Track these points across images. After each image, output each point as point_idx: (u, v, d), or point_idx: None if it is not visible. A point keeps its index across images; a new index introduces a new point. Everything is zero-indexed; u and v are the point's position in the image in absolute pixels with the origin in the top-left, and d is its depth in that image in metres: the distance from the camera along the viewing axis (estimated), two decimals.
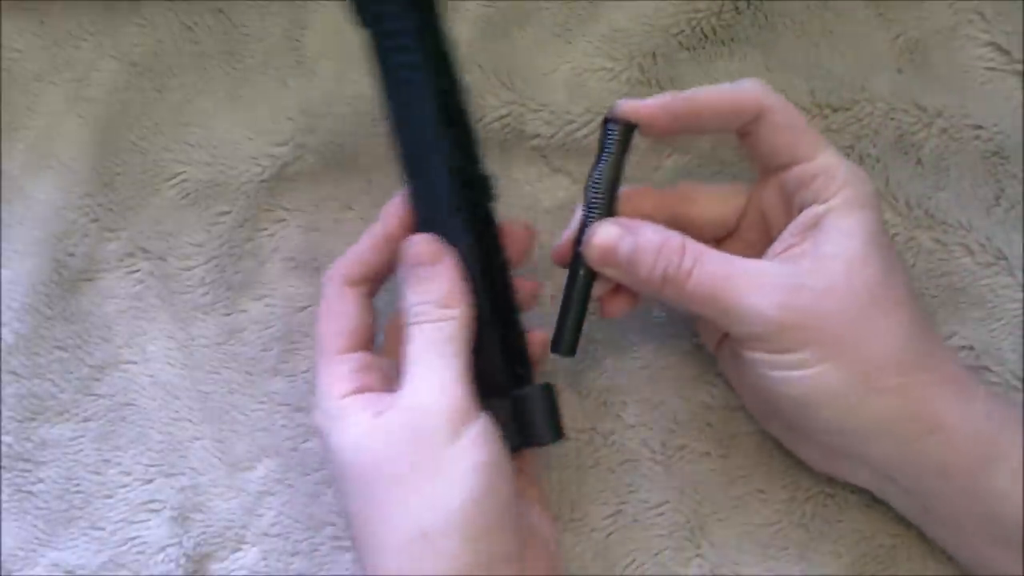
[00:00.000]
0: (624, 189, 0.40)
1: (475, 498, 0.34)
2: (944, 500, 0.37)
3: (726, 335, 0.42)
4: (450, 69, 0.39)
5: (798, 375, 0.36)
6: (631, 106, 0.39)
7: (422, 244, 0.38)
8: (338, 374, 0.38)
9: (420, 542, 0.34)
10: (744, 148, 0.41)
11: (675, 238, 0.38)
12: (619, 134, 0.39)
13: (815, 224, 0.38)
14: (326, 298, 0.40)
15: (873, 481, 0.40)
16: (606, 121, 0.40)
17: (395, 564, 0.35)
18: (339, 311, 0.40)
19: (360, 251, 0.40)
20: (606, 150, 0.39)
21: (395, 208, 0.40)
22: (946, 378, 0.37)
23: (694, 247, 0.38)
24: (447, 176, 0.39)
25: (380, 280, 0.41)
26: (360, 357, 0.39)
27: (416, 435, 0.35)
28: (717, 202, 0.41)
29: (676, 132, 0.40)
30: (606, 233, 0.38)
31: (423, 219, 0.39)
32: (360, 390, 0.38)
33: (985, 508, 0.36)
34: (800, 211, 0.38)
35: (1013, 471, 0.36)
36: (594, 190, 0.39)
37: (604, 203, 0.39)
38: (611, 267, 0.39)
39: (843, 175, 0.38)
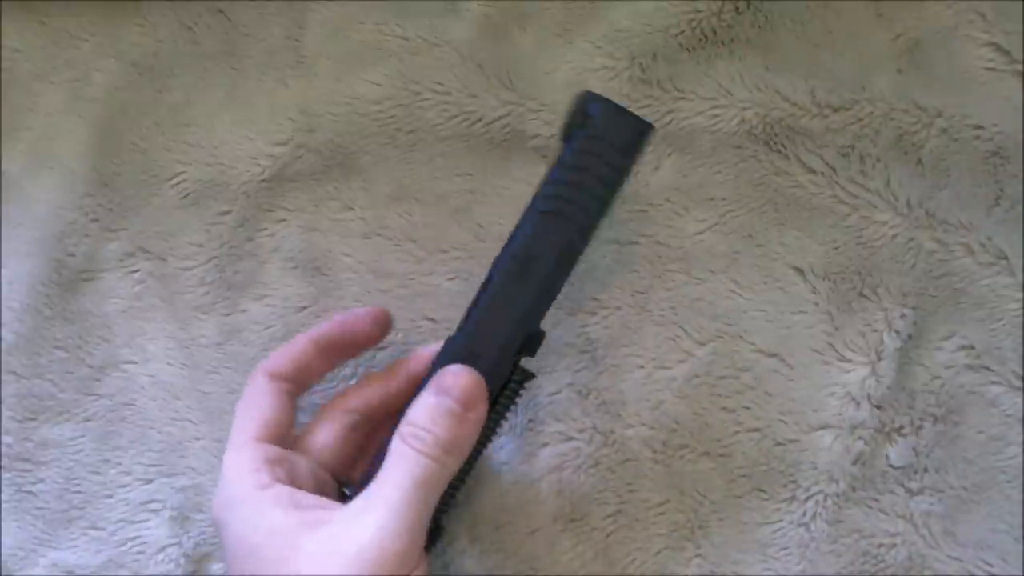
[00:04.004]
0: None
1: None
2: None
3: None
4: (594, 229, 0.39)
5: None
6: None
7: (471, 383, 0.38)
8: (251, 460, 0.37)
9: None
10: None
11: None
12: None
13: None
14: (249, 386, 0.40)
15: None
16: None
17: None
18: (257, 401, 0.39)
19: (293, 350, 0.40)
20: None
21: (346, 318, 0.40)
22: None
23: None
24: (529, 320, 0.39)
25: (306, 384, 0.41)
26: (273, 450, 0.38)
27: (366, 567, 0.34)
28: None
29: None
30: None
31: (469, 339, 0.39)
32: (275, 483, 0.36)
33: None
34: None
35: None
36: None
37: None
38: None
39: None
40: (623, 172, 0.39)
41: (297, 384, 0.41)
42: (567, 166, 0.39)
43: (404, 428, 0.37)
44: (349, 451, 0.41)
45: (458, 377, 0.37)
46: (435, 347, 0.40)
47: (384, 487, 0.36)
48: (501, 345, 0.38)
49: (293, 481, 0.37)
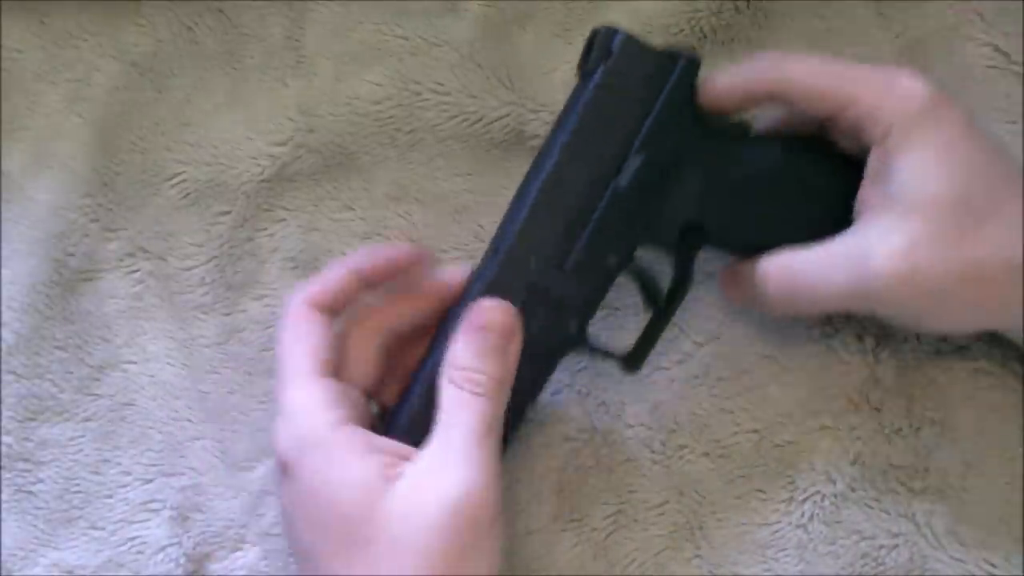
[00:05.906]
0: None
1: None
2: None
3: None
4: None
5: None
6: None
7: (504, 314, 0.37)
8: (319, 398, 0.36)
9: None
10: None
11: None
12: None
13: (878, 169, 0.37)
14: (292, 318, 0.38)
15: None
16: None
17: None
18: (309, 332, 0.38)
19: (335, 280, 0.39)
20: None
21: (395, 254, 0.40)
22: None
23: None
24: (558, 251, 0.38)
25: (337, 315, 0.40)
26: (335, 385, 0.37)
27: (458, 520, 0.34)
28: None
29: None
30: None
31: (508, 268, 0.38)
32: (347, 422, 0.36)
33: None
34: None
35: None
36: None
37: None
38: None
39: (886, 110, 0.36)
40: (648, 105, 0.38)
41: (333, 315, 0.39)
42: (588, 101, 0.38)
43: (455, 373, 0.36)
44: (380, 373, 0.40)
45: (494, 311, 0.37)
46: (459, 270, 0.40)
47: (454, 439, 0.35)
48: (530, 278, 0.38)
49: (358, 418, 0.37)
